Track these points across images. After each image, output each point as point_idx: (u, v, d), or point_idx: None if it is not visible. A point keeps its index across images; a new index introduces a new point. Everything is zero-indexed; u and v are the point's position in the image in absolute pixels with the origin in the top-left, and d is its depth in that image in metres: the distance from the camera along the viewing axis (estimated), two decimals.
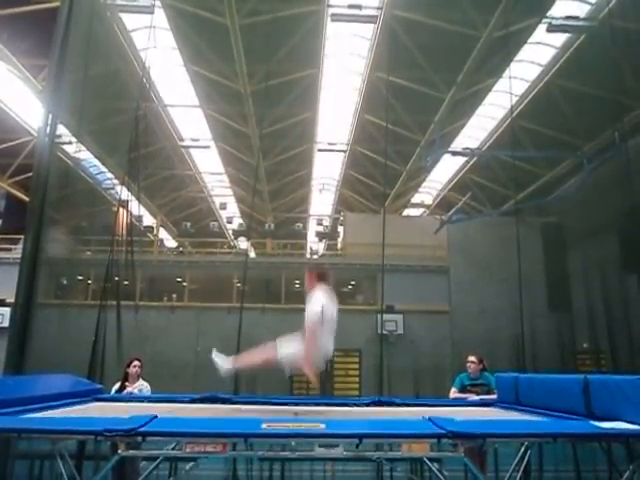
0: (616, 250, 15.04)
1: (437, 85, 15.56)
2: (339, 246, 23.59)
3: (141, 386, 6.44)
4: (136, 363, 6.52)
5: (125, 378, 6.46)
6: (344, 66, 16.44)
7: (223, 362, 4.63)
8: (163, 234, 27.18)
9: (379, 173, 20.91)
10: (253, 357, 4.77)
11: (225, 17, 12.86)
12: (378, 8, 13.05)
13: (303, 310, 4.55)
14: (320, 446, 3.26)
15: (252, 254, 21.89)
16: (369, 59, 15.35)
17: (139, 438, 3.22)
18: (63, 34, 6.98)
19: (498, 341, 15.13)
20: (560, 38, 13.84)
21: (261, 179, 21.29)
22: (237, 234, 24.32)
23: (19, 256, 6.59)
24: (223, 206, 25.44)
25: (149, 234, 23.10)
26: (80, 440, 4.57)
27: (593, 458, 6.37)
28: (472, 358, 6.57)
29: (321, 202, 27.28)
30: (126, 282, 11.84)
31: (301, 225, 24.94)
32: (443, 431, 3.25)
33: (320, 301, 4.48)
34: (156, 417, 3.52)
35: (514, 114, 14.80)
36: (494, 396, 5.89)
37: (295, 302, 19.38)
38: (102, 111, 15.22)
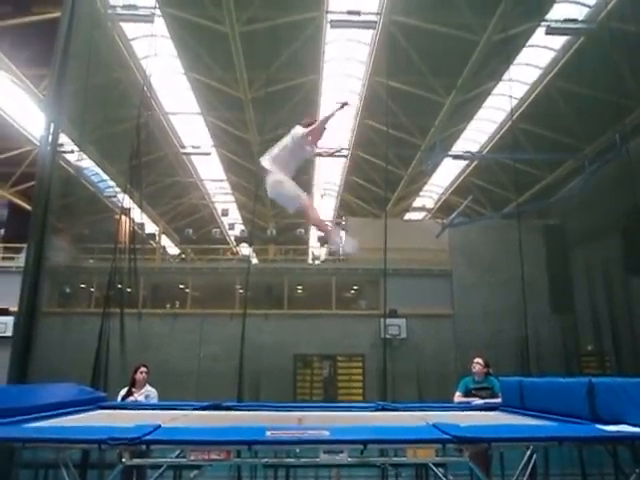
0: (619, 251, 15.00)
1: (437, 89, 15.58)
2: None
3: (148, 392, 6.42)
4: (143, 369, 6.51)
5: (132, 384, 6.45)
6: (344, 71, 16.49)
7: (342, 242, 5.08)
8: (165, 241, 27.17)
9: (380, 177, 20.94)
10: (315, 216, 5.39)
11: (225, 25, 12.92)
12: (377, 14, 13.09)
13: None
14: (325, 452, 3.24)
15: (254, 260, 21.87)
16: (369, 64, 15.39)
17: (143, 447, 3.21)
18: (64, 44, 7.03)
19: (502, 344, 15.07)
20: (559, 41, 13.87)
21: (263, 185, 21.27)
22: (239, 240, 24.34)
23: (22, 265, 6.60)
24: (225, 213, 25.48)
25: (151, 241, 23.10)
26: (84, 449, 4.56)
27: (599, 461, 6.33)
28: (478, 359, 6.59)
29: (322, 207, 27.29)
30: (129, 290, 11.88)
31: (303, 230, 24.90)
32: (448, 436, 3.23)
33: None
34: (160, 426, 3.51)
35: (514, 117, 14.85)
36: (499, 400, 5.88)
37: (298, 307, 19.40)
38: (104, 119, 15.29)
